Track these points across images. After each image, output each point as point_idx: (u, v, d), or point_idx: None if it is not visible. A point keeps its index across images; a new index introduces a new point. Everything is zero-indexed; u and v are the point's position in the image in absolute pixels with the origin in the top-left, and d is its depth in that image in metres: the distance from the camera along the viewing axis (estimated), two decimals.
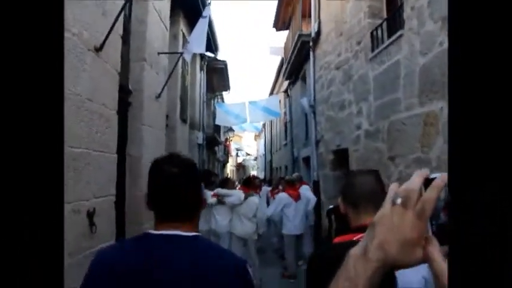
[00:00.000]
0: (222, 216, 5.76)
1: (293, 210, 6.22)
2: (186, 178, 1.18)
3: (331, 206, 4.42)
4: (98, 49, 3.83)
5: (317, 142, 7.69)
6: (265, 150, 27.57)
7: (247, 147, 43.43)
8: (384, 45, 4.67)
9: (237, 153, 38.13)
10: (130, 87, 5.67)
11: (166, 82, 6.41)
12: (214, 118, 13.83)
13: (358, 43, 5.70)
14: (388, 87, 4.54)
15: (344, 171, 6.68)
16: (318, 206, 7.42)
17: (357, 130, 5.58)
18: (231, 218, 5.74)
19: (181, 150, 8.59)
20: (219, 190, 5.81)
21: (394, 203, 0.59)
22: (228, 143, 25.69)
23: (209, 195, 6.04)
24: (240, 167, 40.10)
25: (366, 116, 5.31)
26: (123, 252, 1.09)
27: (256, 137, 41.27)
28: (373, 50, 5.16)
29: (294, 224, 6.22)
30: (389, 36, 4.69)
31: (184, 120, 8.93)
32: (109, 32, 3.81)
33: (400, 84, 4.19)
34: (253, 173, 35.04)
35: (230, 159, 31.42)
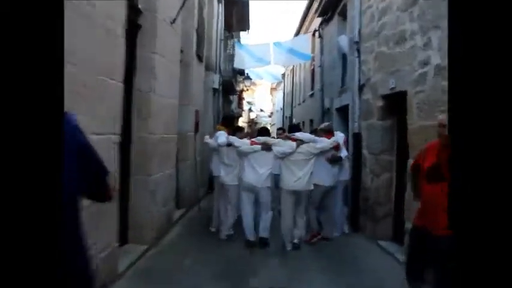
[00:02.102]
0: (263, 168, 5.46)
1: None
2: None
3: None
4: None
5: (361, 87, 6.78)
6: (283, 104, 26.50)
7: (261, 101, 42.19)
8: None
9: (249, 108, 37.01)
10: (139, 5, 4.80)
11: (183, 4, 5.50)
12: (231, 61, 12.85)
13: None
14: None
15: (397, 120, 5.85)
16: (358, 162, 6.68)
17: (423, 67, 4.68)
18: (271, 171, 5.53)
19: (196, 91, 7.79)
20: (268, 139, 5.60)
21: None
22: (242, 94, 24.65)
23: (245, 142, 5.65)
24: (252, 124, 39.27)
25: (437, 48, 4.39)
26: None
27: (273, 90, 39.81)
28: None
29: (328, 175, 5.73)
30: None
31: (200, 58, 8.05)
32: None
33: None
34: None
35: (242, 114, 30.42)
